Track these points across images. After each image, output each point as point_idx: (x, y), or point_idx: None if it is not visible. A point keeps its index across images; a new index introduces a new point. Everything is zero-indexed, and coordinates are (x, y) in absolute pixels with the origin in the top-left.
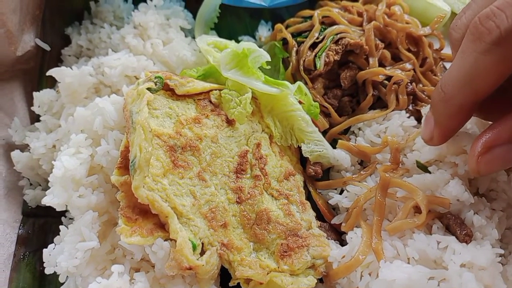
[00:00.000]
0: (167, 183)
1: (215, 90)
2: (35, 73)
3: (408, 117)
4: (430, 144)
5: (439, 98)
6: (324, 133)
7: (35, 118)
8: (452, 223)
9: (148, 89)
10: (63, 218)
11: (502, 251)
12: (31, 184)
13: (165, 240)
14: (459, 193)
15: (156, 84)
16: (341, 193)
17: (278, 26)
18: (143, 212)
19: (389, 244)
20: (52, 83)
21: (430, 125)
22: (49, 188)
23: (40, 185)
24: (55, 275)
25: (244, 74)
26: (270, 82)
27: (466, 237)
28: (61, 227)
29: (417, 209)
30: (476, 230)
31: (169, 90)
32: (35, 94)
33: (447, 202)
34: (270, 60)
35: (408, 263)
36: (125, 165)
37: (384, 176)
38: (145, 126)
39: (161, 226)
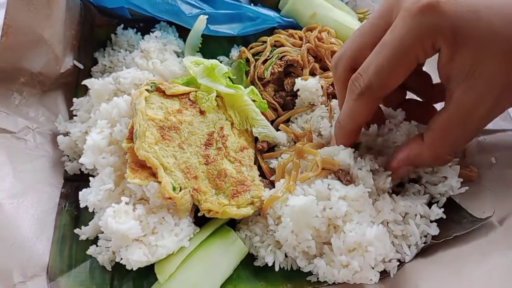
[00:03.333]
0: (157, 148)
1: (193, 92)
2: (72, 85)
3: (327, 110)
4: None
5: (337, 127)
6: (272, 122)
7: (71, 116)
8: (340, 175)
9: (146, 90)
10: (91, 178)
11: (369, 189)
12: (69, 160)
13: (155, 182)
14: (346, 159)
15: (151, 87)
16: None
17: (243, 49)
18: (142, 166)
19: (300, 188)
20: (84, 92)
21: (333, 143)
22: None
23: (75, 159)
24: (85, 217)
25: (212, 80)
26: (230, 85)
27: (347, 182)
28: (90, 178)
29: None
30: (360, 180)
31: (161, 92)
32: (74, 99)
33: (336, 163)
34: (226, 71)
35: None
36: (130, 137)
37: (298, 146)
38: (143, 111)
39: (153, 174)
